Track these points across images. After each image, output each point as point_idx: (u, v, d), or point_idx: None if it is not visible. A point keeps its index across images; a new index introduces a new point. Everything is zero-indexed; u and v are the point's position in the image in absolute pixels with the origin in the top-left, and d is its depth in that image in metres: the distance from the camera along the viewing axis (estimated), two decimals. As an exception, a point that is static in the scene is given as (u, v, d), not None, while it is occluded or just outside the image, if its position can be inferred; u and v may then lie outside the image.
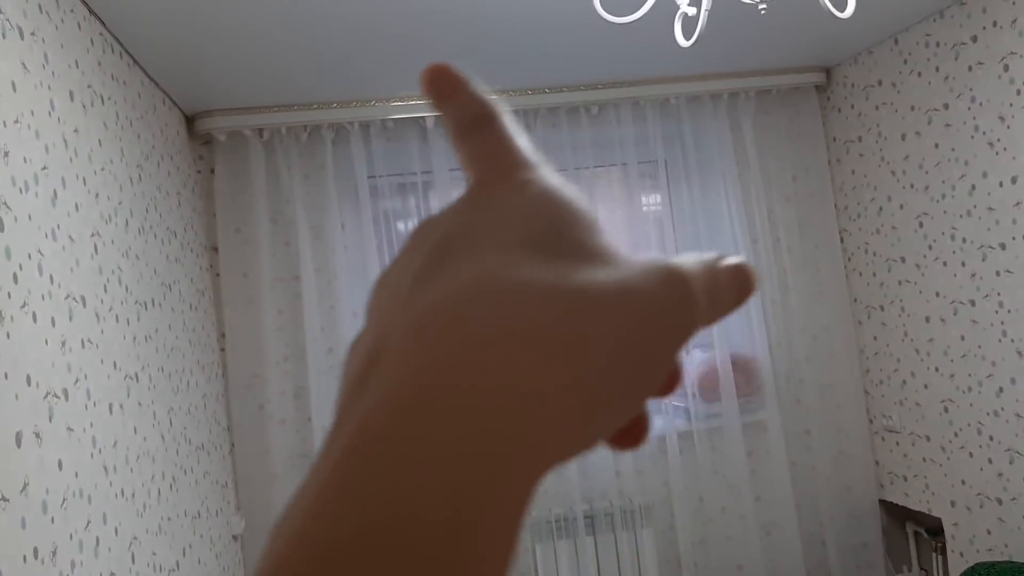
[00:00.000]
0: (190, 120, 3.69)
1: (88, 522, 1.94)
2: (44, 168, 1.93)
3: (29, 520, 1.63)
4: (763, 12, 1.81)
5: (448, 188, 3.89)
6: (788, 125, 4.21)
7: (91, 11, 2.44)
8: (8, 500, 1.55)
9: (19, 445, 1.62)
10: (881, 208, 3.90)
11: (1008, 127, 3.15)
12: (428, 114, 3.83)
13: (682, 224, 4.17)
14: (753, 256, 4.06)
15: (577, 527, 3.86)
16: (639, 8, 2.06)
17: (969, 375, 3.49)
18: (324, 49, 3.11)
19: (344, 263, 3.81)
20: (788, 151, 4.19)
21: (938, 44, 3.46)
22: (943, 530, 3.76)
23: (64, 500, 1.81)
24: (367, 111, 3.78)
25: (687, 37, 2.07)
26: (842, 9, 1.96)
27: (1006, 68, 3.14)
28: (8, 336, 1.63)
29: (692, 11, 2.01)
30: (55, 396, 1.83)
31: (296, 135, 3.79)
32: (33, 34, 1.97)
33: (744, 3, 2.74)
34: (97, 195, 2.30)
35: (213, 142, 3.74)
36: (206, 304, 3.59)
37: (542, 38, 3.27)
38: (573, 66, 3.67)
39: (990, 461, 3.43)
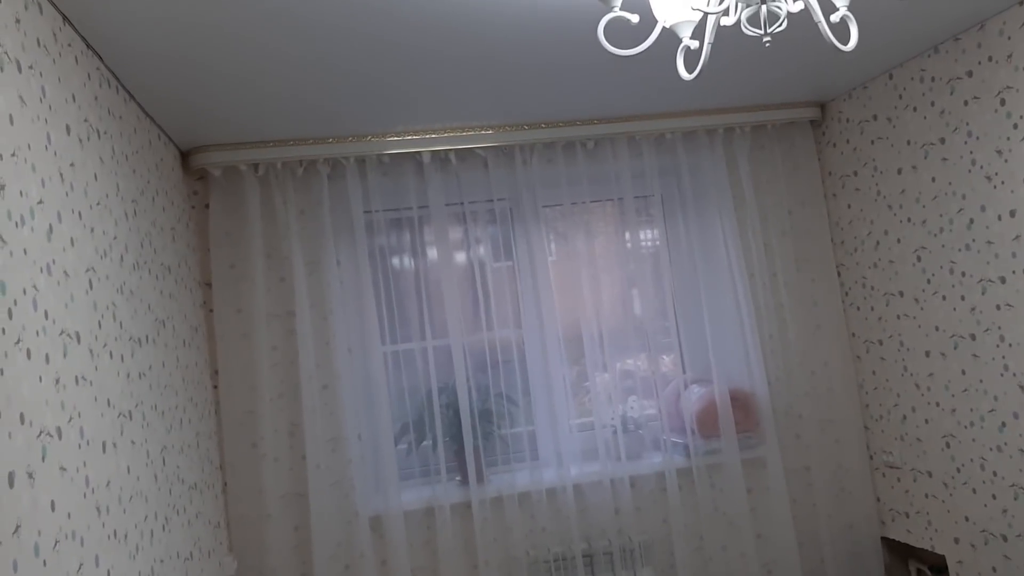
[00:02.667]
0: (185, 155, 3.67)
1: (80, 565, 1.88)
2: (40, 202, 1.90)
3: (21, 563, 1.57)
4: (767, 45, 1.81)
5: (444, 223, 3.87)
6: (783, 160, 4.21)
7: (88, 45, 2.43)
8: (0, 543, 1.50)
9: (12, 486, 1.57)
10: (878, 242, 3.90)
11: (1006, 161, 3.15)
12: (424, 149, 3.82)
13: (679, 259, 4.15)
14: (751, 290, 4.04)
15: (576, 567, 3.79)
16: (642, 41, 2.05)
17: (971, 410, 3.46)
18: (320, 84, 3.09)
19: (339, 299, 3.78)
20: (784, 186, 4.19)
21: (933, 79, 3.48)
22: (947, 568, 3.71)
23: (56, 542, 1.76)
24: (363, 146, 3.77)
25: (689, 70, 2.06)
26: (845, 42, 1.95)
27: (1003, 102, 3.15)
28: (2, 373, 1.58)
29: (694, 44, 2.00)
30: (48, 435, 1.78)
31: (292, 170, 3.77)
32: (31, 67, 1.94)
33: (739, 38, 2.75)
34: (92, 230, 2.27)
35: (208, 177, 3.72)
36: (199, 340, 3.55)
37: (539, 74, 3.27)
38: (569, 101, 3.67)
39: (994, 497, 3.39)
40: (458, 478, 3.90)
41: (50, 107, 2.05)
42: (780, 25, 1.80)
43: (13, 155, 1.77)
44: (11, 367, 1.63)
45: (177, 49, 2.59)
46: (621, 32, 2.05)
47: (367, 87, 3.19)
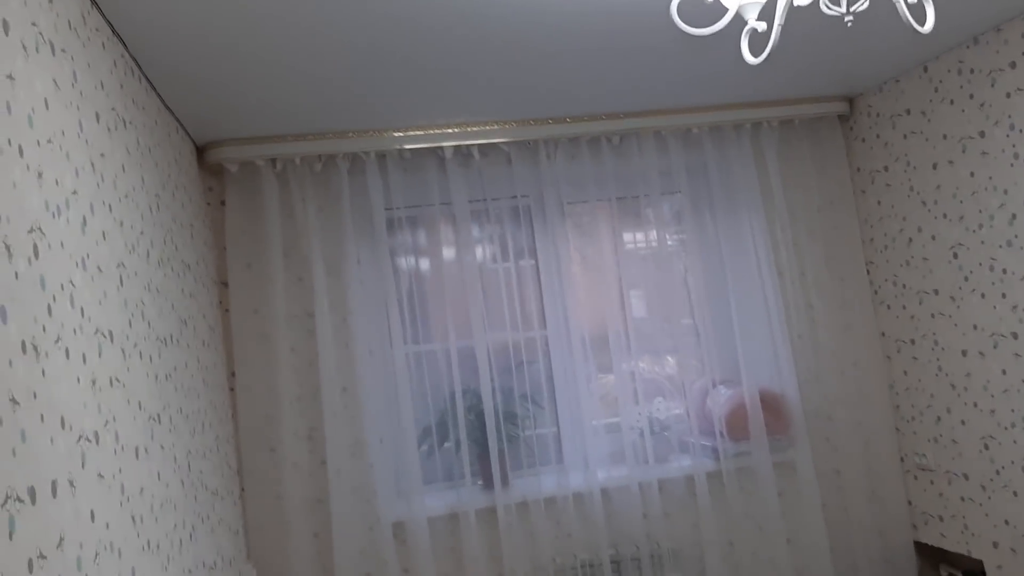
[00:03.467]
0: (200, 150, 3.55)
1: (118, 578, 1.77)
2: (75, 192, 1.78)
3: (65, 579, 1.46)
4: (849, 24, 1.71)
5: (467, 220, 3.76)
6: (812, 155, 4.12)
7: (114, 31, 2.31)
8: (46, 557, 1.38)
9: (55, 495, 1.46)
10: (911, 239, 3.81)
11: (1052, 154, 3.07)
12: (446, 143, 3.71)
13: (706, 257, 4.05)
14: (780, 289, 3.95)
15: (604, 573, 3.69)
16: (693, 24, 1.95)
17: (1012, 411, 3.37)
18: (340, 77, 2.99)
19: (360, 299, 3.66)
20: (812, 182, 4.10)
21: (972, 71, 3.39)
22: (984, 572, 3.62)
23: (97, 554, 1.64)
24: (384, 141, 3.66)
25: (754, 54, 1.97)
26: (922, 23, 1.86)
27: (1049, 94, 3.06)
28: (44, 374, 1.47)
29: (761, 26, 1.90)
30: (87, 440, 1.66)
31: (310, 165, 3.65)
32: (63, 51, 1.83)
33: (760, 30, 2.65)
34: (122, 224, 2.16)
35: (224, 173, 3.60)
36: (216, 341, 3.43)
37: (563, 66, 3.17)
38: (594, 95, 3.57)
39: (1037, 500, 3.31)
40: (480, 482, 3.79)
41: (81, 93, 1.94)
42: (862, 3, 1.70)
43: (49, 141, 1.66)
44: (52, 367, 1.52)
45: (199, 38, 2.48)
46: (687, 14, 1.95)
47: (389, 80, 3.08)
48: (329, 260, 3.68)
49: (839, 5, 1.71)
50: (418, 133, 3.68)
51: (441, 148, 3.74)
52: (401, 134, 3.66)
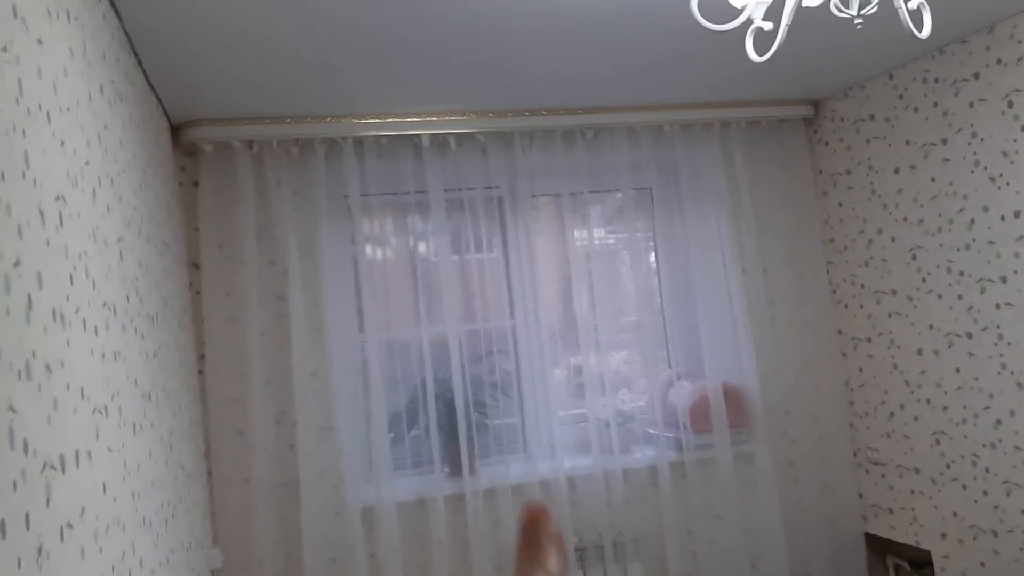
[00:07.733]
0: (175, 129, 3.50)
1: (124, 553, 1.76)
2: (87, 163, 1.77)
3: (87, 550, 1.45)
4: (859, 27, 1.78)
5: (441, 208, 3.77)
6: (777, 156, 4.23)
7: (112, 3, 2.28)
8: (72, 527, 1.38)
9: (78, 465, 1.45)
10: (871, 241, 3.94)
11: (1012, 162, 3.20)
12: (423, 132, 3.72)
13: (674, 251, 4.14)
14: (743, 286, 4.04)
15: (568, 561, 3.74)
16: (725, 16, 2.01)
17: (964, 407, 3.52)
18: (320, 61, 2.98)
19: (333, 284, 3.65)
20: (777, 182, 4.21)
21: (936, 80, 3.52)
22: (931, 563, 3.77)
23: (108, 527, 1.63)
24: (361, 127, 3.65)
25: (759, 52, 2.03)
26: (920, 29, 1.94)
27: (1010, 104, 3.20)
28: (68, 343, 1.46)
29: (768, 26, 1.96)
30: (99, 413, 1.65)
31: (287, 149, 3.63)
32: (76, 18, 1.81)
33: (738, 30, 2.72)
34: (121, 197, 2.13)
35: (198, 153, 3.56)
36: (188, 323, 3.39)
37: (541, 59, 3.20)
38: (571, 89, 3.61)
39: (985, 493, 3.45)
40: (447, 469, 3.81)
41: (89, 64, 1.91)
42: (872, 6, 1.77)
43: (69, 110, 1.64)
44: (74, 337, 1.51)
45: (188, 12, 2.45)
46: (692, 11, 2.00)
47: (366, 67, 3.08)
48: (303, 244, 3.66)
49: (849, 8, 1.78)
50: (395, 120, 3.68)
51: (418, 136, 3.75)
52: (379, 121, 3.66)
